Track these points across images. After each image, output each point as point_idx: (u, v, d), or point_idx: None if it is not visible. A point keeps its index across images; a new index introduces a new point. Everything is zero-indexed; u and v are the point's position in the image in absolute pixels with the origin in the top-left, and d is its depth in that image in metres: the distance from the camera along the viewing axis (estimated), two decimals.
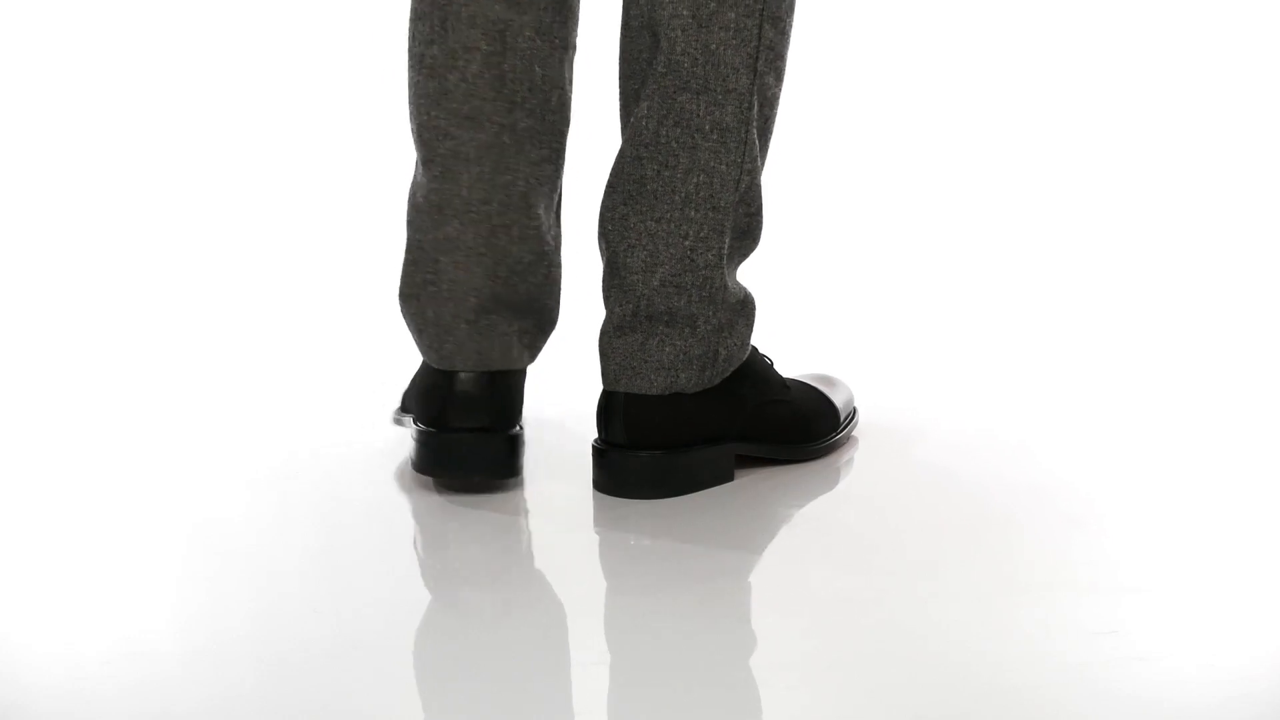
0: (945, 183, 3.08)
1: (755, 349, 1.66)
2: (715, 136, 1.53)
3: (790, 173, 3.07)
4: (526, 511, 1.56)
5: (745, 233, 1.60)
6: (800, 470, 1.67)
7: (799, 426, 1.67)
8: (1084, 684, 1.14)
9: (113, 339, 2.40)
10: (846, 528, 1.52)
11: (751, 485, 1.62)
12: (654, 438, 1.57)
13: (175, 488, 1.68)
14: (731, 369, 1.60)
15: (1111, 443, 1.81)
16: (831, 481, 1.66)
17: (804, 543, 1.50)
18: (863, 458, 1.74)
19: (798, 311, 2.47)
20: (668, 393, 1.56)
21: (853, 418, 1.76)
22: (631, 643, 1.25)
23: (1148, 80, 3.16)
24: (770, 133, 1.59)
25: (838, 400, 1.73)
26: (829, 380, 1.76)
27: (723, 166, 1.54)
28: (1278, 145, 3.06)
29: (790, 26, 1.57)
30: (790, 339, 2.02)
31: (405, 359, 2.21)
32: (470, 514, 1.55)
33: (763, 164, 1.60)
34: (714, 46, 1.52)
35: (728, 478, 1.61)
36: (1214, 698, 1.13)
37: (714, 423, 1.59)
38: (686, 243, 1.55)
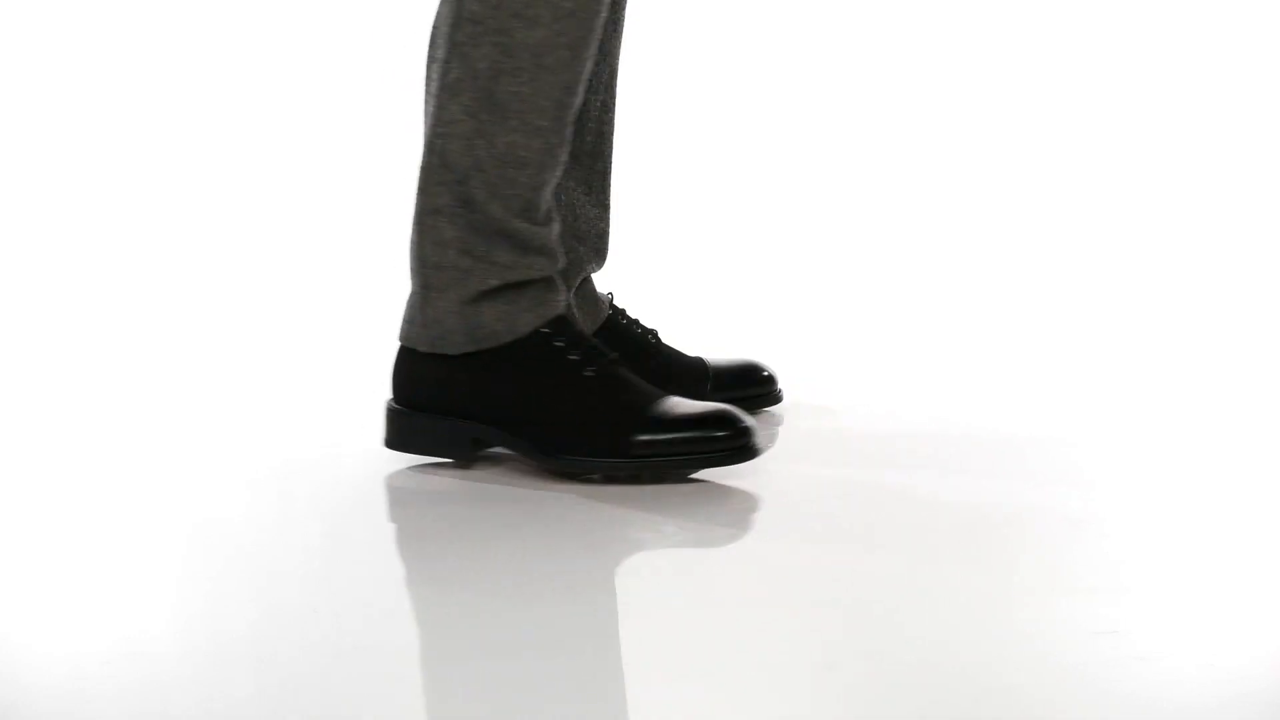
0: (951, 184, 3.08)
1: (549, 335, 1.62)
2: (430, 101, 1.62)
3: (790, 173, 3.07)
4: (525, 510, 1.56)
5: (467, 203, 1.60)
6: (800, 470, 1.67)
7: (553, 438, 1.61)
8: (1084, 684, 1.14)
9: (113, 340, 2.40)
10: (846, 528, 1.52)
11: (751, 485, 1.62)
12: (399, 393, 1.66)
13: (175, 488, 1.68)
14: (452, 338, 1.62)
15: (1111, 443, 1.81)
16: (831, 482, 1.66)
17: (803, 543, 1.50)
18: (863, 458, 1.74)
19: (804, 310, 2.47)
20: (408, 345, 1.65)
21: (673, 451, 1.60)
22: (631, 643, 1.25)
23: (1146, 80, 3.16)
24: (500, 105, 1.57)
25: (660, 417, 1.60)
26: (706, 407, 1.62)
27: (426, 127, 1.62)
28: (1276, 145, 3.06)
29: (526, 6, 1.56)
30: (797, 337, 2.02)
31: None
32: (470, 514, 1.55)
33: (486, 137, 1.58)
34: (438, 20, 1.61)
35: (459, 455, 1.65)
36: (1214, 698, 1.13)
37: (443, 392, 1.63)
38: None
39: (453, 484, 1.68)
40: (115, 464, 1.78)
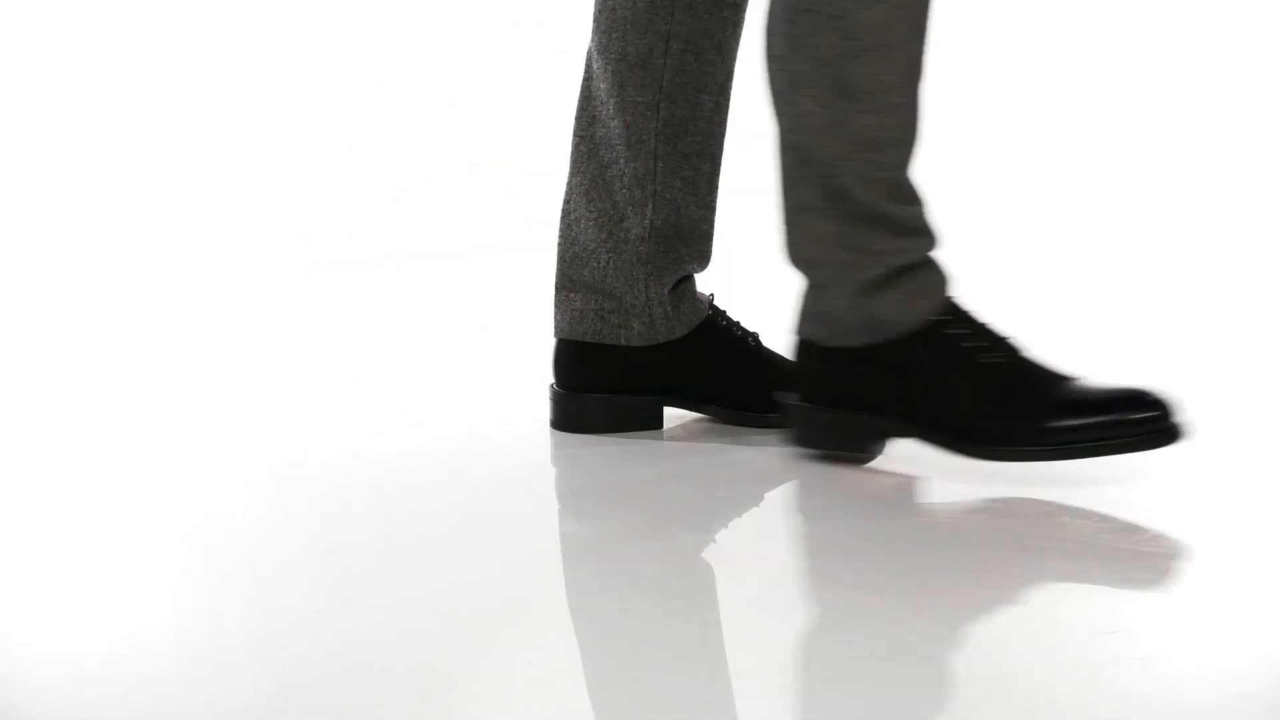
0: (950, 183, 3.08)
1: (942, 322, 1.62)
2: (774, 102, 1.62)
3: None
4: (525, 514, 1.56)
5: (835, 195, 1.62)
6: (799, 471, 1.67)
7: (962, 427, 1.60)
8: (1084, 684, 1.15)
9: (114, 340, 2.40)
10: (847, 528, 1.52)
11: (752, 487, 1.62)
12: (806, 391, 1.67)
13: (176, 488, 1.68)
14: (851, 333, 1.62)
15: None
16: (834, 482, 1.66)
17: (803, 543, 1.50)
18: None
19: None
20: (809, 340, 1.66)
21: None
22: (634, 644, 1.25)
23: (1155, 76, 3.16)
24: (851, 90, 1.57)
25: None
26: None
27: (775, 129, 1.63)
28: (1278, 145, 3.06)
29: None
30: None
31: (398, 359, 2.20)
32: (471, 516, 1.55)
33: (842, 124, 1.58)
34: (770, 21, 1.62)
35: (869, 448, 1.65)
36: (1214, 698, 1.13)
37: (849, 386, 1.63)
38: None
39: (454, 484, 1.68)
40: (117, 464, 1.78)
